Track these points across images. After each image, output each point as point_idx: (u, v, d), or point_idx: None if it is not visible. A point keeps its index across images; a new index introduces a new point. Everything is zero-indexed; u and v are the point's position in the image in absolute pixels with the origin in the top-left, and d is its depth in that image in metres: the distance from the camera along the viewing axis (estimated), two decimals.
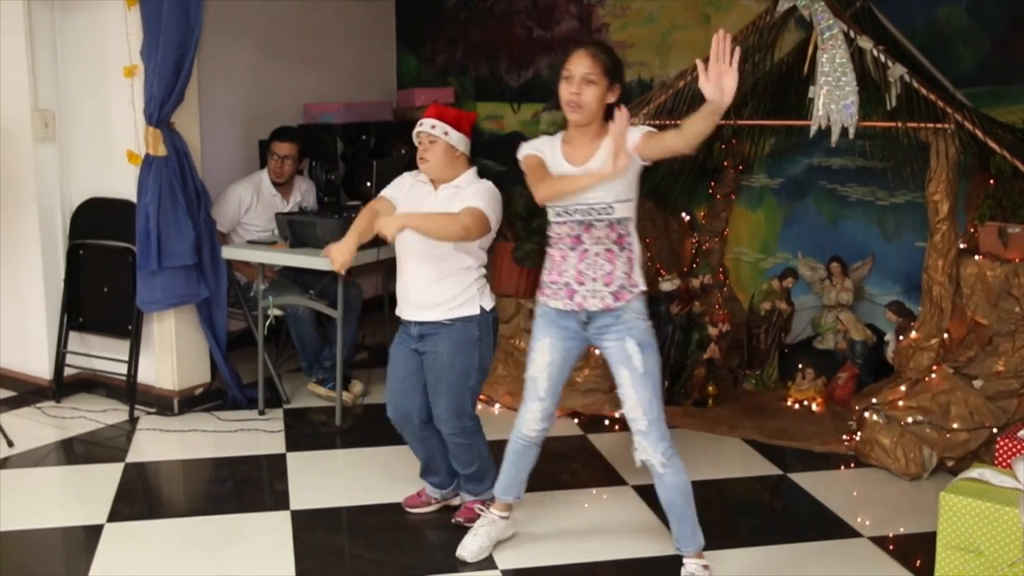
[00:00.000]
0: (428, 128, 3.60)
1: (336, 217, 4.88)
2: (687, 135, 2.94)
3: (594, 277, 3.24)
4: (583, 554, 3.64)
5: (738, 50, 2.79)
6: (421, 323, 3.66)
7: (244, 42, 5.96)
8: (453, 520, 3.87)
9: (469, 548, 3.60)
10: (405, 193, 3.71)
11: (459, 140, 3.62)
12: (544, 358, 3.41)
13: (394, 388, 3.80)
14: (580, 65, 3.18)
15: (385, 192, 3.76)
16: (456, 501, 4.01)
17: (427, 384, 3.71)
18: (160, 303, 4.89)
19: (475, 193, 3.56)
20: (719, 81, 2.78)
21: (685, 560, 3.41)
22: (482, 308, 3.64)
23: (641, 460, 3.32)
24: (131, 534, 3.80)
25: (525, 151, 3.35)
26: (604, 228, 3.23)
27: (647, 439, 3.28)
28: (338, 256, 3.50)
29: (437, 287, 3.60)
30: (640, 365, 3.24)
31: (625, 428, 3.69)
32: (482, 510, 3.73)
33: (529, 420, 3.49)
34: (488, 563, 3.56)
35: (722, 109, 2.82)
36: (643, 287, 3.29)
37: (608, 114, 3.25)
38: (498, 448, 3.66)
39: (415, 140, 3.65)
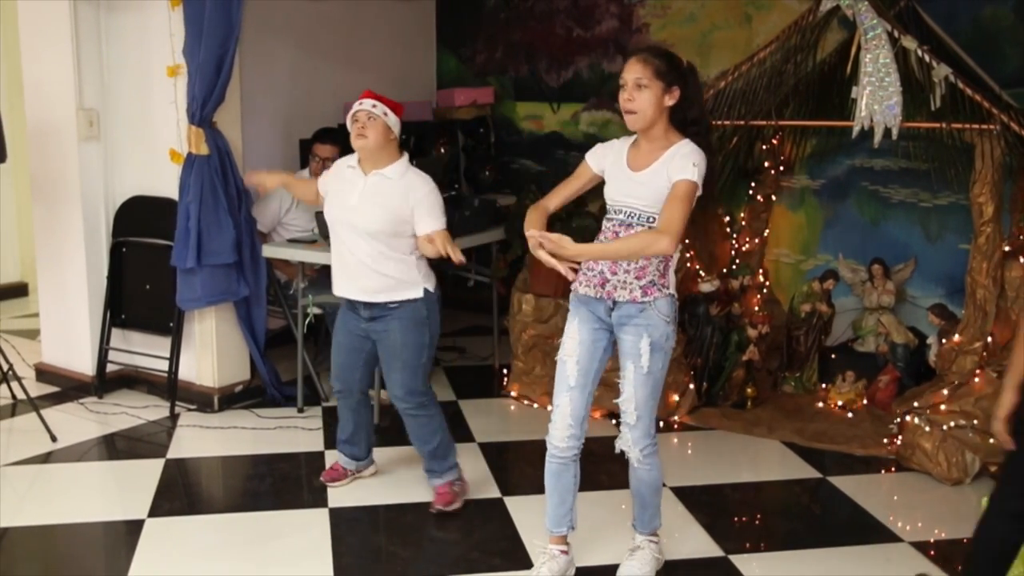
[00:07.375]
0: (368, 106, 3.77)
1: None
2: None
3: (627, 269, 3.24)
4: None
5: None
6: (370, 305, 3.82)
7: (285, 41, 6.00)
8: (431, 510, 3.96)
9: None
10: (337, 186, 3.87)
11: (396, 123, 3.81)
12: (573, 340, 3.35)
13: (339, 362, 4.03)
14: (631, 72, 3.18)
15: (319, 184, 4.02)
16: (367, 473, 4.28)
17: (381, 363, 3.92)
18: (199, 301, 4.94)
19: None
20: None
21: (636, 534, 3.55)
22: (426, 290, 3.82)
23: (621, 448, 3.39)
24: (171, 529, 3.84)
25: (589, 154, 3.42)
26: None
27: (632, 432, 3.34)
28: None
29: (385, 270, 3.76)
30: (647, 364, 3.26)
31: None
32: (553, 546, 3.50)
33: (558, 423, 3.35)
34: (522, 563, 3.55)
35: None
36: (672, 291, 3.29)
37: (673, 118, 3.23)
38: (531, 447, 3.64)
39: (349, 123, 3.79)
